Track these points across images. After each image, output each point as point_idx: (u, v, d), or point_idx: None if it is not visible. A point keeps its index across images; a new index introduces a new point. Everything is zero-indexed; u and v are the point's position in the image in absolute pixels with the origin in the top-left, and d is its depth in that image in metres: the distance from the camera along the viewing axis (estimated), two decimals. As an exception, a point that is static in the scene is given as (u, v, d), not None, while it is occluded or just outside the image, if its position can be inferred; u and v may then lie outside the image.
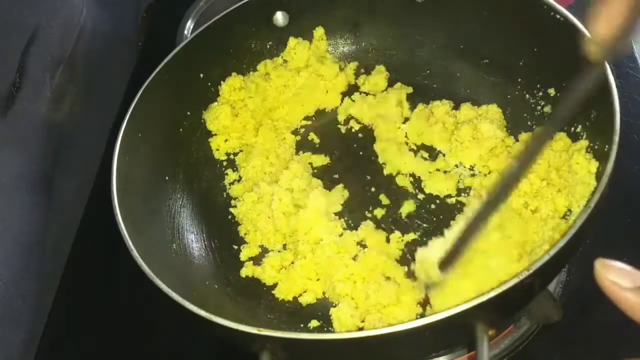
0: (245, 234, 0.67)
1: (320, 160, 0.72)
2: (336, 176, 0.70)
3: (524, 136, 0.66)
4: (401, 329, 0.43)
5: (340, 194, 0.68)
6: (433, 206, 0.66)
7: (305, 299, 0.61)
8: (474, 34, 0.72)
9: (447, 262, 0.52)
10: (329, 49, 0.79)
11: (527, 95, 0.68)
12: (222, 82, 0.75)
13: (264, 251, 0.66)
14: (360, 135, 0.74)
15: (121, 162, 0.61)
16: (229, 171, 0.73)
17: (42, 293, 0.73)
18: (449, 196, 0.66)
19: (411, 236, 0.63)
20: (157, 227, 0.64)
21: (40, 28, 0.75)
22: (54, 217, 0.76)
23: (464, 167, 0.67)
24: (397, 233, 0.64)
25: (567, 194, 0.57)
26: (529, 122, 0.67)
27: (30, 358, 0.70)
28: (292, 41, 0.78)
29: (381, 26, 0.78)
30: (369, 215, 0.66)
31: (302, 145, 0.74)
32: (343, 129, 0.75)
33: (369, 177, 0.70)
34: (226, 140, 0.74)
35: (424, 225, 0.64)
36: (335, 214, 0.67)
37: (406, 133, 0.72)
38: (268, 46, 0.78)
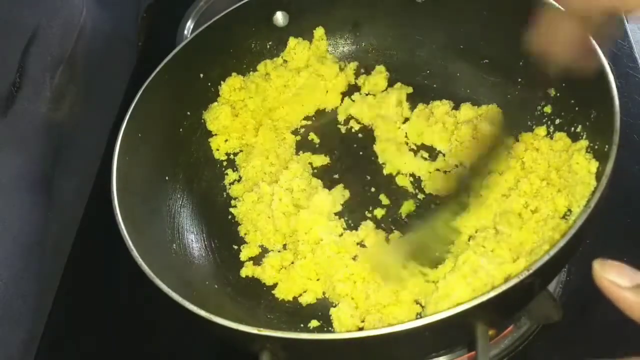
0: (245, 234, 0.67)
1: (320, 160, 0.72)
2: (336, 176, 0.70)
3: (524, 136, 0.66)
4: (401, 329, 0.43)
5: (340, 194, 0.68)
6: (433, 206, 0.65)
7: (305, 299, 0.61)
8: (474, 34, 0.72)
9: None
10: (329, 49, 0.79)
11: (527, 95, 0.68)
12: (222, 82, 0.75)
13: (264, 251, 0.66)
14: (360, 135, 0.74)
15: (121, 162, 0.61)
16: (229, 171, 0.73)
17: (42, 293, 0.73)
18: (449, 196, 0.65)
19: (411, 236, 0.63)
20: (157, 227, 0.64)
21: (40, 28, 0.75)
22: (54, 217, 0.76)
23: (464, 167, 0.67)
24: (397, 233, 0.64)
25: (567, 194, 0.57)
26: (529, 122, 0.67)
27: (30, 358, 0.70)
28: (292, 41, 0.78)
29: (381, 26, 0.78)
30: (369, 215, 0.66)
31: (302, 145, 0.74)
32: (343, 129, 0.75)
33: (369, 177, 0.70)
34: (226, 140, 0.74)
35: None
36: (335, 214, 0.67)
37: (406, 133, 0.72)
38: (268, 46, 0.78)
